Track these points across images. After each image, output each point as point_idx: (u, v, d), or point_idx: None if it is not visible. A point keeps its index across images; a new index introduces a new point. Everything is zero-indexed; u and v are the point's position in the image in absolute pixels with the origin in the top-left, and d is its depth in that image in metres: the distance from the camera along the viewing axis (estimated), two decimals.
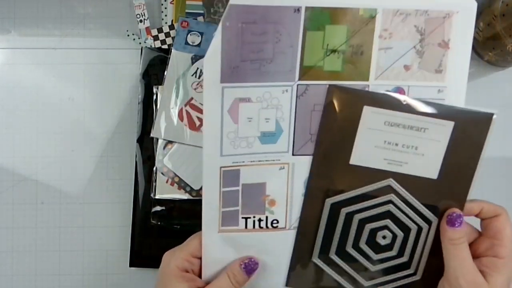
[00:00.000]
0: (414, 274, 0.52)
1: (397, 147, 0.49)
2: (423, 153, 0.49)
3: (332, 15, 0.46)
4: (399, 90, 0.49)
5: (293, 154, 0.49)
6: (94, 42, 0.64)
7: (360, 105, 0.48)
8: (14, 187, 0.63)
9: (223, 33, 0.45)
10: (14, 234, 0.63)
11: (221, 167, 0.48)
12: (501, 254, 0.48)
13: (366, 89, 0.48)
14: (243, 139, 0.48)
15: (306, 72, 0.47)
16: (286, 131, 0.49)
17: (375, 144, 0.49)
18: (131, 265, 0.62)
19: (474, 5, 0.47)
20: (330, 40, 0.47)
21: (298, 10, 0.46)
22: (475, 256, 0.49)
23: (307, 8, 0.46)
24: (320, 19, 0.46)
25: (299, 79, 0.48)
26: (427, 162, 0.49)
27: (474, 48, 0.63)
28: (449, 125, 0.48)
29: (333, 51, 0.47)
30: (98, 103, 0.64)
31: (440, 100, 0.49)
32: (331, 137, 0.49)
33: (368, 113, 0.48)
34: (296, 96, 0.48)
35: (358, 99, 0.48)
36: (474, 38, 0.62)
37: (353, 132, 0.48)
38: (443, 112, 0.48)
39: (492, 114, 0.48)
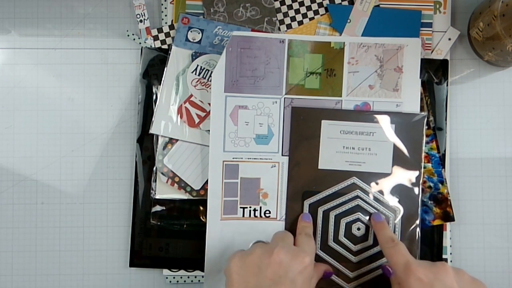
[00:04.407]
0: None
1: (354, 150, 0.59)
2: (376, 152, 0.59)
3: (310, 46, 0.60)
4: (366, 104, 0.60)
5: (282, 155, 0.60)
6: (94, 42, 0.64)
7: (318, 120, 0.59)
8: (14, 187, 0.63)
9: (227, 55, 0.59)
10: (14, 234, 0.63)
11: (223, 161, 0.59)
12: None
13: (339, 104, 0.60)
14: (242, 139, 0.60)
15: (291, 88, 0.60)
16: (276, 135, 0.60)
17: (336, 149, 0.59)
18: (131, 265, 0.62)
19: (419, 41, 0.60)
20: (309, 65, 0.60)
21: (282, 41, 0.60)
22: None
23: (289, 40, 0.60)
24: (300, 49, 0.60)
25: (286, 94, 0.60)
26: (380, 160, 0.59)
27: (474, 48, 0.63)
28: (391, 127, 0.59)
29: (312, 73, 0.60)
30: (98, 103, 0.64)
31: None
32: (301, 148, 0.59)
33: (326, 125, 0.59)
34: (284, 107, 0.60)
35: (316, 115, 0.60)
36: (474, 38, 0.62)
37: (317, 142, 0.59)
38: (385, 117, 0.59)
39: (424, 115, 0.60)
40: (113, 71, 0.64)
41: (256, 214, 0.60)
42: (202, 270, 0.60)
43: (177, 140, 0.61)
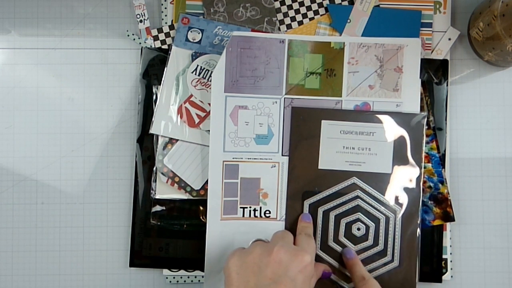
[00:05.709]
0: (392, 261, 0.59)
1: (354, 150, 0.59)
2: (376, 152, 0.59)
3: (310, 46, 0.60)
4: (366, 104, 0.60)
5: (282, 155, 0.60)
6: (94, 42, 0.64)
7: (318, 120, 0.59)
8: (14, 187, 0.63)
9: (227, 56, 0.59)
10: (14, 234, 0.63)
11: (223, 161, 0.59)
12: None
13: (339, 104, 0.60)
14: (242, 139, 0.60)
15: (291, 88, 0.60)
16: (276, 135, 0.60)
17: (336, 150, 0.59)
18: (131, 265, 0.62)
19: (419, 41, 0.60)
20: (309, 65, 0.60)
21: (282, 41, 0.60)
22: None
23: (289, 40, 0.60)
24: (300, 49, 0.60)
25: (286, 94, 0.60)
26: (380, 160, 0.59)
27: (474, 48, 0.63)
28: (392, 127, 0.59)
29: (312, 73, 0.60)
30: (98, 103, 0.64)
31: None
32: (301, 148, 0.60)
33: (326, 125, 0.59)
34: (284, 107, 0.60)
35: (316, 115, 0.60)
36: (474, 38, 0.62)
37: (317, 142, 0.59)
38: (385, 117, 0.59)
39: (425, 115, 0.60)
40: (113, 71, 0.64)
41: (256, 214, 0.60)
42: (202, 270, 0.60)
43: (177, 140, 0.61)
